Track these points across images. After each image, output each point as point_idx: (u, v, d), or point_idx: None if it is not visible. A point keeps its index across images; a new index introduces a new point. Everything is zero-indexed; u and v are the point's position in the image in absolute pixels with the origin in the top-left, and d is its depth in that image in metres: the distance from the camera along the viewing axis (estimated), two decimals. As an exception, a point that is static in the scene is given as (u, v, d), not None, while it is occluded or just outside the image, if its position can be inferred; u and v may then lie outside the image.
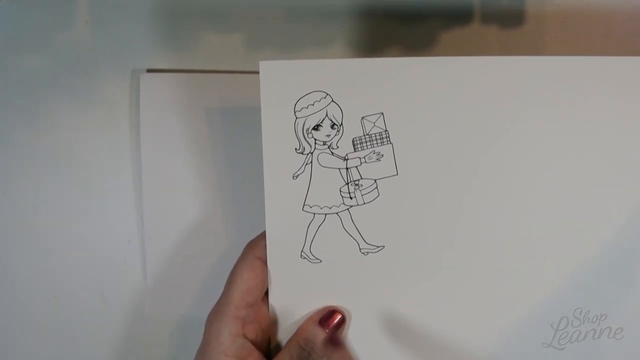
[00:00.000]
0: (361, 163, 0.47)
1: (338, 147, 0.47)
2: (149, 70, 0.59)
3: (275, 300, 0.49)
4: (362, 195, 0.47)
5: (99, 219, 0.60)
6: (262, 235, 0.49)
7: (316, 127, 0.47)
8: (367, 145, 0.47)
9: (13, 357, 0.61)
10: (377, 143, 0.47)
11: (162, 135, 0.58)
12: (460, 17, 0.57)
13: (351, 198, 0.47)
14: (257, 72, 0.45)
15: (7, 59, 0.59)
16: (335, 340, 0.47)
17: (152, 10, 0.58)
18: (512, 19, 0.57)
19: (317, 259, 0.48)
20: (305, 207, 0.48)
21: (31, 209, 0.60)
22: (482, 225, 0.48)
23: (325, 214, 0.48)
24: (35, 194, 0.60)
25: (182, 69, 0.59)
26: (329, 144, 0.47)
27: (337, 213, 0.48)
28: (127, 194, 0.60)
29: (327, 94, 0.47)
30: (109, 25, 0.59)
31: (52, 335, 0.61)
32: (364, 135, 0.47)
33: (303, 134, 0.47)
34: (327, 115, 0.47)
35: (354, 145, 0.47)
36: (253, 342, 0.48)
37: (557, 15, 0.57)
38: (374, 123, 0.47)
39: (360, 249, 0.48)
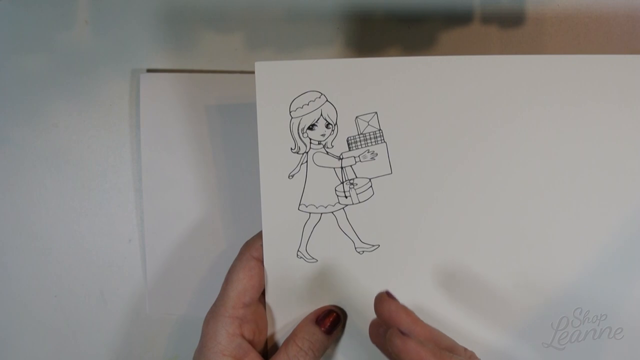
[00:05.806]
0: (356, 162, 0.47)
1: (333, 146, 0.47)
2: (149, 70, 0.59)
3: (272, 299, 0.49)
4: (357, 194, 0.47)
5: (99, 219, 0.60)
6: (259, 236, 0.49)
7: (311, 127, 0.47)
8: (361, 145, 0.47)
9: (13, 357, 0.62)
10: (371, 142, 0.47)
11: (162, 135, 0.58)
12: (460, 18, 0.57)
13: (346, 197, 0.47)
14: (256, 72, 0.46)
15: (7, 59, 0.59)
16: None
17: (152, 10, 0.58)
18: (512, 19, 0.57)
19: (313, 258, 0.48)
20: (301, 206, 0.48)
21: (31, 208, 0.60)
22: (478, 224, 0.48)
23: (321, 214, 0.48)
24: (35, 194, 0.60)
25: (182, 69, 0.59)
26: (323, 143, 0.47)
27: (332, 212, 0.48)
28: (127, 194, 0.60)
29: (322, 94, 0.47)
30: (109, 25, 0.59)
31: (52, 335, 0.61)
32: (359, 135, 0.47)
33: (298, 133, 0.47)
34: (321, 114, 0.47)
35: (348, 144, 0.47)
36: (250, 342, 0.48)
37: (557, 15, 0.57)
38: (368, 122, 0.47)
39: (355, 248, 0.48)
